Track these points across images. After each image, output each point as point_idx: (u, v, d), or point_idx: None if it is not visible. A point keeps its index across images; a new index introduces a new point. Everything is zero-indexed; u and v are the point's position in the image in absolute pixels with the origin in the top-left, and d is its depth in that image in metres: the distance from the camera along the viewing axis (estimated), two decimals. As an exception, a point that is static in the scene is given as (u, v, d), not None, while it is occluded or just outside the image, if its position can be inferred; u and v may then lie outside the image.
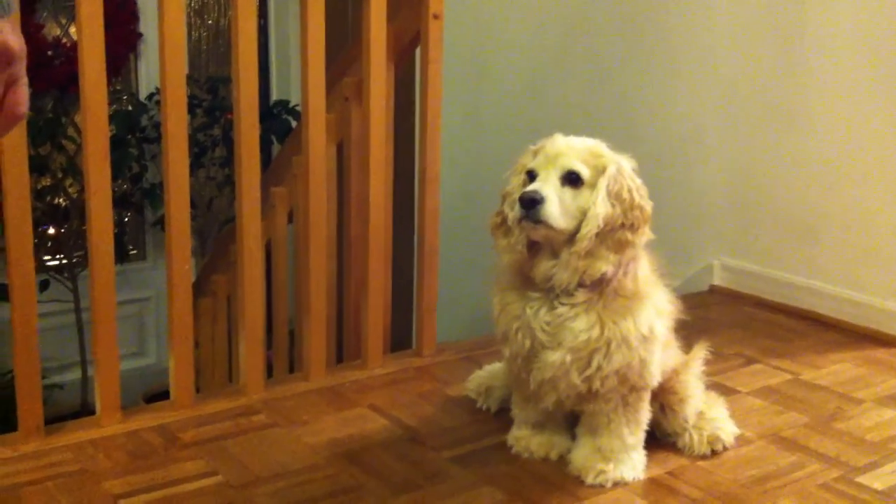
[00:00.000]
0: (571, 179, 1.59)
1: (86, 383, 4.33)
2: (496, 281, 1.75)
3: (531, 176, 1.62)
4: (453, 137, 3.39)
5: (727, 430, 1.87)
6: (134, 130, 4.37)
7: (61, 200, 4.36)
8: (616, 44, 3.25)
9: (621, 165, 1.62)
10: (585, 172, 1.59)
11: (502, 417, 1.95)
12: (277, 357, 3.03)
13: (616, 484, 1.71)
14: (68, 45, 4.47)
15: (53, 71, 4.40)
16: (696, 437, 1.83)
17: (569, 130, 1.67)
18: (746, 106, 2.90)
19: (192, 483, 1.71)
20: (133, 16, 4.63)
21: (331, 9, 2.11)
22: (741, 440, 1.90)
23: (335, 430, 1.95)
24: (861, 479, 1.76)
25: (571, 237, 1.60)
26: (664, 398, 1.81)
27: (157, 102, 3.86)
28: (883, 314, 2.56)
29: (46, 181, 4.30)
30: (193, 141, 4.42)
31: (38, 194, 4.20)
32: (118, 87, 4.67)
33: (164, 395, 2.13)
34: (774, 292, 2.85)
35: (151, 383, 4.34)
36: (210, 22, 5.02)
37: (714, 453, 1.83)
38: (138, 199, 4.55)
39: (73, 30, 4.48)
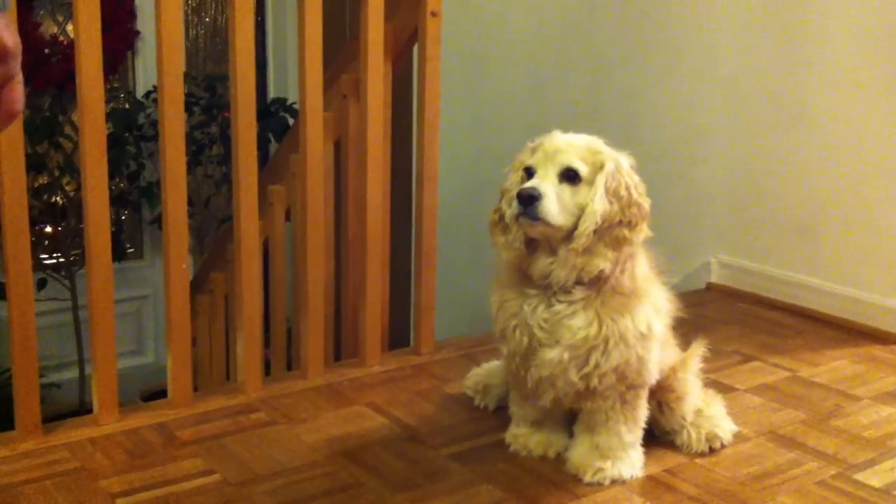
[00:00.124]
0: (569, 176, 1.59)
1: (83, 382, 4.33)
2: (494, 279, 1.75)
3: (529, 173, 1.62)
4: (453, 135, 3.39)
5: (725, 427, 1.87)
6: (131, 128, 4.36)
7: (58, 199, 4.36)
8: (617, 41, 3.25)
9: (619, 162, 1.62)
10: (584, 169, 1.59)
11: (500, 415, 1.95)
12: (275, 355, 3.03)
13: (614, 482, 1.71)
14: (65, 42, 4.47)
15: (51, 69, 4.40)
16: (693, 434, 1.83)
17: (569, 128, 1.67)
18: (746, 104, 2.90)
19: (191, 481, 1.71)
20: (130, 14, 4.62)
21: (328, 6, 2.11)
22: (739, 438, 1.90)
23: (333, 428, 1.94)
24: (859, 477, 1.76)
25: (569, 234, 1.60)
26: (662, 396, 1.81)
27: (155, 100, 3.87)
28: (881, 311, 2.56)
29: (43, 179, 4.30)
30: (191, 139, 4.42)
31: (35, 192, 4.20)
32: (115, 85, 4.67)
33: (161, 393, 2.13)
34: (772, 289, 2.85)
35: (149, 382, 4.34)
36: (207, 20, 5.01)
37: (712, 451, 1.84)
38: (136, 198, 4.54)
39: (70, 28, 4.47)
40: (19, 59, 0.87)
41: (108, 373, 1.95)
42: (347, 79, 2.48)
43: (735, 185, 2.97)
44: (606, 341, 1.62)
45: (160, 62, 1.92)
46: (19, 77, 0.88)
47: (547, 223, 1.57)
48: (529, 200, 1.56)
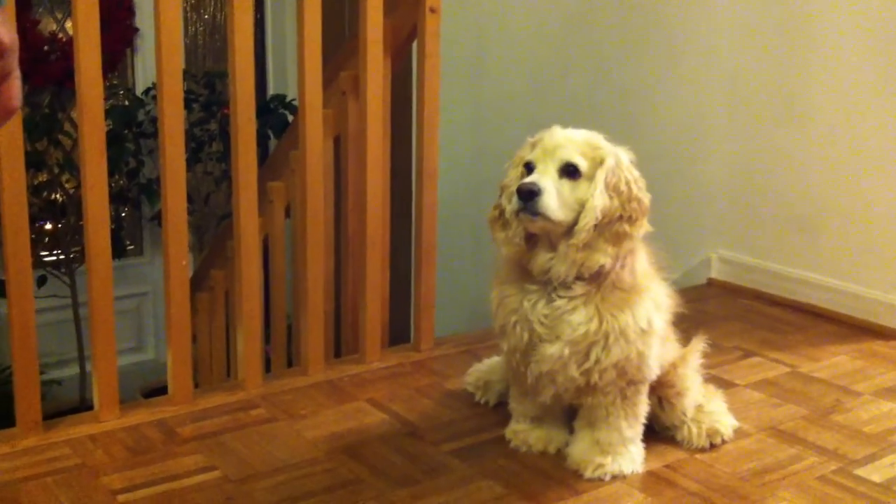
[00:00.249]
0: (569, 172, 1.59)
1: (84, 379, 4.33)
2: (494, 275, 1.75)
3: (529, 168, 1.62)
4: (453, 132, 3.39)
5: (725, 423, 1.87)
6: (130, 126, 4.36)
7: (58, 196, 4.35)
8: (617, 37, 3.24)
9: (619, 157, 1.62)
10: (583, 165, 1.59)
11: (501, 411, 1.95)
12: (276, 352, 3.03)
13: (614, 477, 1.71)
14: (64, 40, 4.46)
15: (50, 66, 4.39)
16: (694, 430, 1.83)
17: (569, 124, 1.67)
18: (747, 100, 2.90)
19: (191, 478, 1.71)
20: (129, 11, 4.62)
21: (327, 3, 2.11)
22: (739, 433, 1.90)
23: (334, 424, 1.95)
24: (859, 472, 1.76)
25: (569, 229, 1.59)
26: (662, 391, 1.81)
27: (154, 97, 3.86)
28: (881, 307, 2.56)
29: (43, 177, 4.29)
30: (190, 136, 4.42)
31: (34, 190, 4.19)
32: (115, 83, 4.67)
33: (162, 390, 2.13)
34: (772, 285, 2.85)
35: (149, 378, 4.34)
36: (207, 17, 5.01)
37: (712, 446, 1.84)
38: (135, 195, 4.55)
39: (69, 25, 4.47)
40: (16, 55, 0.87)
41: (108, 370, 1.95)
42: (347, 76, 2.48)
43: (735, 181, 2.97)
44: (607, 337, 1.62)
45: (159, 59, 1.91)
46: (17, 73, 0.88)
47: (547, 218, 1.57)
48: (529, 196, 1.56)
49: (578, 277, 1.62)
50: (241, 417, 1.97)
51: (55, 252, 4.42)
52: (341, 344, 2.69)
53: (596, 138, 1.63)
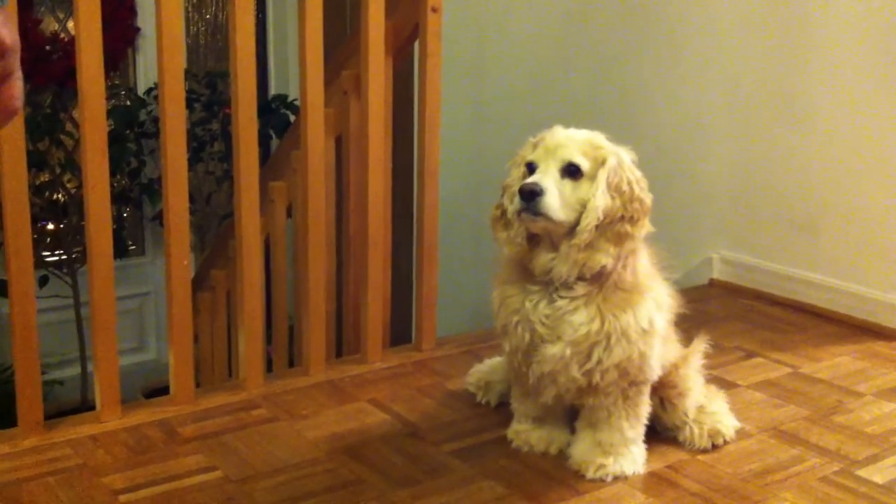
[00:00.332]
0: (571, 171, 1.59)
1: (85, 379, 4.33)
2: (496, 275, 1.75)
3: (531, 168, 1.62)
4: (455, 132, 3.39)
5: (727, 423, 1.87)
6: (132, 125, 4.36)
7: (60, 196, 4.36)
8: (619, 36, 3.24)
9: (621, 157, 1.62)
10: (585, 164, 1.59)
11: (502, 412, 1.95)
12: (277, 352, 3.03)
13: (616, 478, 1.71)
14: (66, 39, 4.46)
15: (51, 66, 4.39)
16: (696, 430, 1.83)
17: (571, 123, 1.67)
18: (748, 100, 2.90)
19: (193, 478, 1.71)
20: (131, 11, 4.62)
21: (329, 3, 2.11)
22: (741, 434, 1.90)
23: (335, 424, 1.94)
24: (861, 473, 1.76)
25: (571, 229, 1.59)
26: (664, 392, 1.81)
27: (156, 97, 3.86)
28: (883, 307, 2.56)
29: (45, 177, 4.30)
30: (192, 136, 4.42)
31: (36, 190, 4.20)
32: (116, 82, 4.67)
33: (163, 390, 2.13)
34: (774, 285, 2.85)
35: (151, 378, 4.35)
36: (208, 17, 5.01)
37: (714, 447, 1.83)
38: (137, 195, 4.55)
39: (70, 25, 4.47)
40: (17, 55, 0.87)
41: (109, 370, 1.95)
42: (348, 75, 2.48)
43: (737, 182, 2.96)
44: (608, 337, 1.61)
45: (161, 59, 1.91)
46: (18, 74, 0.88)
47: (549, 218, 1.57)
48: (531, 196, 1.56)
49: (580, 278, 1.62)
50: (242, 417, 1.97)
51: (57, 252, 4.42)
52: (343, 344, 2.69)
53: (598, 138, 1.63)
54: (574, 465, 1.74)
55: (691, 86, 3.03)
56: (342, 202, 2.58)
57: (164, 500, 1.63)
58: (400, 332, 2.73)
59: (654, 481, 1.72)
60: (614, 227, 1.59)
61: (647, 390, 1.72)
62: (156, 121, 4.22)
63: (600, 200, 1.57)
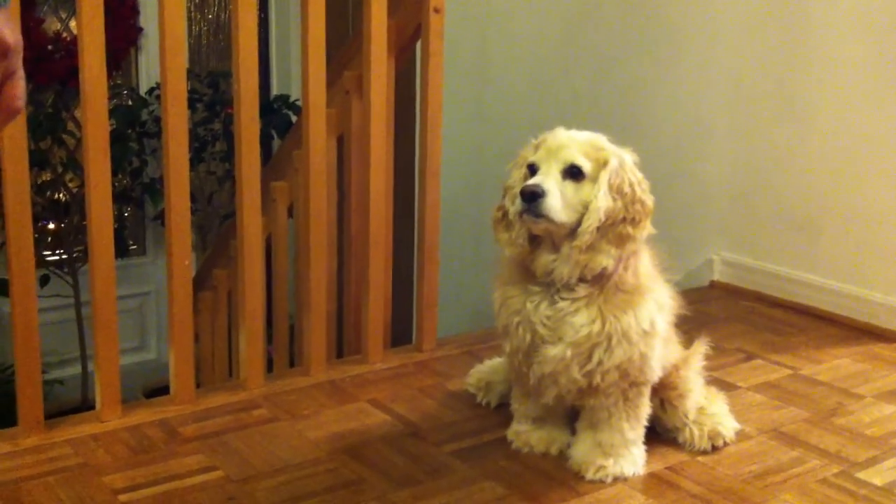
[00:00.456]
0: (573, 173, 1.59)
1: (86, 378, 4.33)
2: (497, 275, 1.75)
3: (532, 169, 1.62)
4: (457, 131, 3.39)
5: (727, 425, 1.87)
6: (134, 125, 4.36)
7: (61, 195, 4.36)
8: (621, 36, 3.24)
9: (623, 159, 1.62)
10: (587, 166, 1.59)
11: (502, 412, 1.95)
12: (278, 352, 3.03)
13: (616, 479, 1.71)
14: (68, 39, 4.47)
15: (54, 65, 4.40)
16: (696, 432, 1.83)
17: (572, 123, 1.67)
18: (750, 100, 2.90)
19: (193, 477, 1.71)
20: (133, 10, 4.62)
21: (331, 3, 2.11)
22: (741, 435, 1.90)
23: (336, 424, 1.95)
24: (861, 475, 1.76)
25: (573, 231, 1.59)
26: (664, 393, 1.81)
27: (158, 97, 3.86)
28: (884, 309, 2.56)
29: (47, 176, 4.30)
30: (194, 135, 4.42)
31: (38, 189, 4.20)
32: (118, 82, 4.67)
33: (164, 389, 2.13)
34: (775, 287, 2.85)
35: (152, 378, 4.34)
36: (210, 16, 5.01)
37: (714, 448, 1.83)
38: (138, 194, 4.55)
39: (73, 24, 4.48)
40: (20, 55, 0.87)
41: (110, 369, 1.95)
42: (350, 75, 2.48)
43: (738, 183, 2.96)
44: (609, 338, 1.61)
45: (163, 59, 1.92)
46: (20, 73, 0.88)
47: (550, 220, 1.57)
48: (533, 197, 1.56)
49: (581, 279, 1.62)
50: (243, 417, 1.97)
51: (58, 251, 4.42)
52: (343, 344, 2.69)
53: (599, 140, 1.63)
54: (574, 465, 1.74)
55: (692, 86, 3.03)
56: (343, 202, 2.59)
57: (165, 499, 1.64)
58: (401, 332, 2.73)
59: (653, 482, 1.72)
60: (616, 229, 1.59)
61: (647, 391, 1.72)
62: (158, 120, 4.22)
63: (602, 202, 1.57)
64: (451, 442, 1.87)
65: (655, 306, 1.66)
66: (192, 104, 4.27)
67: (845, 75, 2.63)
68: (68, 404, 3.82)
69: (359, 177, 2.43)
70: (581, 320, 1.62)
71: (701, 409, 1.86)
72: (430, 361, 2.32)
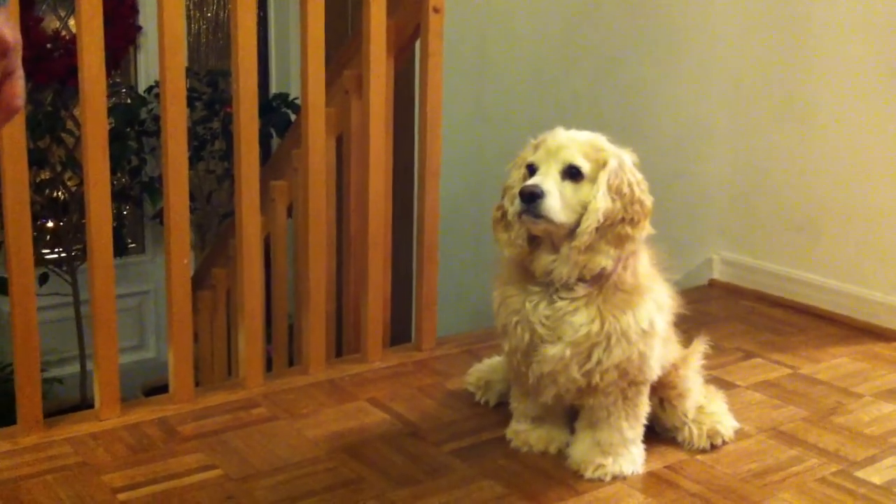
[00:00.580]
0: (572, 173, 1.59)
1: (85, 377, 4.33)
2: (497, 275, 1.75)
3: (531, 170, 1.62)
4: (457, 131, 3.39)
5: (726, 424, 1.87)
6: (133, 124, 4.36)
7: (60, 194, 4.36)
8: (621, 36, 3.24)
9: (622, 159, 1.62)
10: (586, 166, 1.59)
11: (501, 411, 1.95)
12: (277, 351, 3.03)
13: (615, 478, 1.71)
14: (67, 37, 4.46)
15: (53, 64, 4.39)
16: (695, 431, 1.83)
17: (572, 123, 1.67)
18: (750, 100, 2.90)
19: (192, 476, 1.71)
20: (132, 9, 4.62)
21: (331, 2, 2.11)
22: (740, 434, 1.90)
23: (335, 423, 1.95)
24: (860, 474, 1.76)
25: (572, 231, 1.60)
26: (663, 392, 1.81)
27: (157, 95, 3.86)
28: (883, 308, 2.56)
29: (45, 174, 4.30)
30: (193, 134, 4.42)
31: (37, 188, 4.19)
32: (117, 80, 4.67)
33: (163, 388, 2.13)
34: (774, 286, 2.85)
35: (151, 377, 4.34)
36: (209, 15, 5.01)
37: (713, 447, 1.84)
38: (137, 193, 4.54)
39: (72, 23, 4.47)
40: (20, 54, 0.87)
41: (109, 368, 1.95)
42: (350, 75, 2.48)
43: (738, 182, 2.96)
44: (608, 338, 1.62)
45: (162, 57, 1.92)
46: (20, 72, 0.88)
47: (549, 220, 1.57)
48: (532, 198, 1.56)
49: (580, 279, 1.62)
50: (242, 416, 1.97)
51: (57, 250, 4.42)
52: (343, 343, 2.69)
53: (599, 140, 1.63)
54: (573, 464, 1.74)
55: (691, 86, 3.03)
56: (343, 202, 2.59)
57: (164, 498, 1.64)
58: (400, 331, 2.73)
59: (652, 481, 1.72)
60: (615, 230, 1.59)
61: (646, 390, 1.73)
62: (157, 119, 4.22)
63: (601, 203, 1.57)
64: (450, 441, 1.87)
65: (654, 306, 1.66)
66: (191, 103, 4.26)
67: (845, 75, 2.63)
68: (67, 403, 3.81)
69: (358, 176, 2.43)
70: (580, 320, 1.62)
71: (700, 408, 1.86)
72: (429, 360, 2.32)
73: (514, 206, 1.61)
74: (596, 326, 1.61)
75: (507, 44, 3.69)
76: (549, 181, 1.58)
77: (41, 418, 1.88)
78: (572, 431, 1.80)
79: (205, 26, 5.01)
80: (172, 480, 1.69)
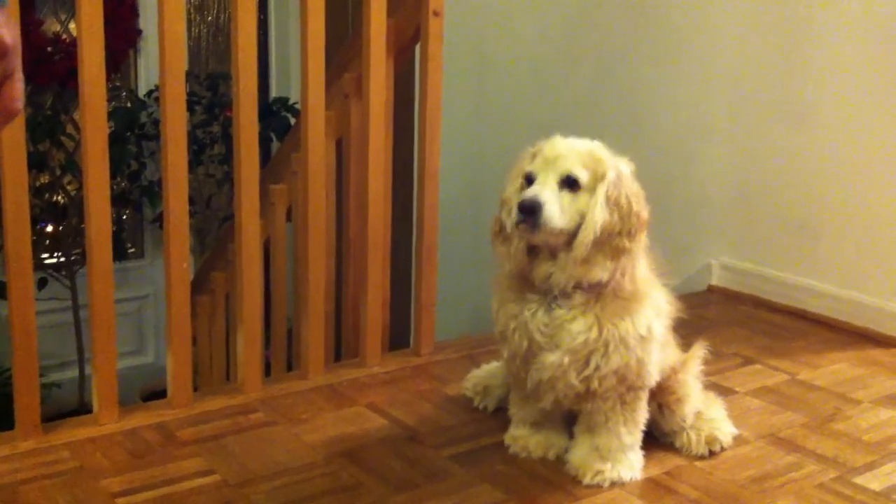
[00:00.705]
0: (570, 183, 1.58)
1: (83, 381, 4.32)
2: (496, 280, 1.75)
3: (529, 179, 1.61)
4: (456, 133, 3.39)
5: (725, 430, 1.87)
6: (133, 127, 4.36)
7: (60, 198, 4.35)
8: (621, 37, 3.24)
9: (621, 171, 1.61)
10: (584, 177, 1.58)
11: (500, 416, 1.95)
12: (276, 355, 3.03)
13: (613, 484, 1.71)
14: (68, 41, 4.47)
15: (53, 67, 4.39)
16: (693, 437, 1.83)
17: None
18: (748, 103, 2.90)
19: (190, 481, 1.71)
20: (133, 12, 4.62)
21: (331, 5, 2.11)
22: (739, 440, 1.90)
23: (333, 428, 1.94)
24: (858, 480, 1.76)
25: (570, 239, 1.59)
26: (662, 398, 1.81)
27: (157, 99, 3.86)
28: (882, 314, 2.56)
29: (45, 178, 4.29)
30: (192, 138, 4.42)
31: (36, 191, 4.19)
32: (117, 84, 4.67)
33: (161, 393, 2.13)
34: (773, 292, 2.85)
35: (149, 381, 4.34)
36: (210, 18, 5.01)
37: (712, 453, 1.83)
38: (137, 197, 4.54)
39: (72, 26, 4.47)
40: (19, 56, 0.87)
41: (108, 372, 1.95)
42: (349, 78, 2.48)
43: (736, 187, 2.97)
44: (606, 345, 1.61)
45: (162, 61, 1.92)
46: (19, 75, 0.88)
47: (548, 231, 1.56)
48: (530, 210, 1.55)
49: (578, 286, 1.62)
50: (240, 421, 1.97)
51: (56, 254, 4.42)
52: (341, 348, 2.68)
53: (597, 149, 1.62)
54: (572, 470, 1.74)
55: (691, 87, 3.03)
56: (342, 205, 2.58)
57: (162, 503, 1.63)
58: (399, 335, 2.72)
59: (651, 487, 1.72)
60: (612, 242, 1.58)
61: (644, 396, 1.72)
62: (156, 123, 4.22)
63: (599, 216, 1.56)
64: (448, 446, 1.87)
65: (653, 311, 1.66)
66: (190, 106, 4.26)
67: (845, 78, 2.64)
68: (66, 407, 3.81)
69: (357, 179, 2.43)
70: (578, 327, 1.62)
71: (699, 414, 1.86)
72: (427, 365, 2.32)
73: (512, 217, 1.60)
74: (594, 334, 1.61)
75: (506, 45, 3.69)
76: (546, 191, 1.57)
77: (39, 423, 1.87)
78: (571, 437, 1.80)
79: (205, 30, 5.01)
80: (171, 485, 1.69)
